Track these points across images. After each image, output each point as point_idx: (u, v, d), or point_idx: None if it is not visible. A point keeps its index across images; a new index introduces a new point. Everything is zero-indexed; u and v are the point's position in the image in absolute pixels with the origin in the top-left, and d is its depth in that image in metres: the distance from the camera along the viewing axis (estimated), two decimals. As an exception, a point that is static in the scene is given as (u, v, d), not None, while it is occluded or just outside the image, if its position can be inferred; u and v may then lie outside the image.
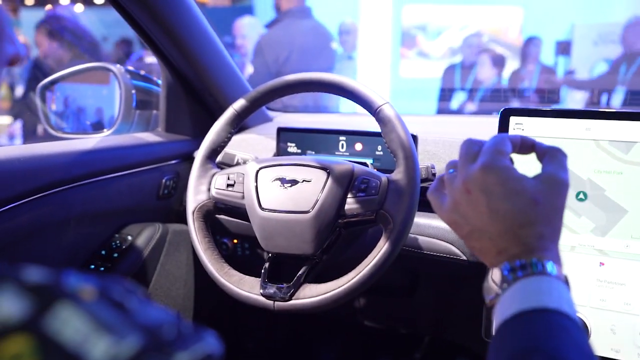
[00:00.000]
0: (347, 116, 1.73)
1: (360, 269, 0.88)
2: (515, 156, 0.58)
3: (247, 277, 0.97)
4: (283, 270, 0.97)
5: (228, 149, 1.09)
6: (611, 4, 5.17)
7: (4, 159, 0.94)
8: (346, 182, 0.93)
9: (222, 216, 1.09)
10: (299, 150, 1.23)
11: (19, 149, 1.00)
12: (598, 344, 0.82)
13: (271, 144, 1.26)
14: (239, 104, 1.04)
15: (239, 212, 1.00)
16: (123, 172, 1.17)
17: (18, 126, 3.51)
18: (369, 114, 0.94)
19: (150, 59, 2.70)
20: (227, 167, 1.09)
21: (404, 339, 1.61)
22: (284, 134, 1.24)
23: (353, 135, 1.18)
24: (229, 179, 1.01)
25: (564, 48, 4.88)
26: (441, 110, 3.46)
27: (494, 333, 0.49)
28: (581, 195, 0.82)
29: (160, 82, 1.35)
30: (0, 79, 0.42)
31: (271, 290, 0.92)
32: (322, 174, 0.94)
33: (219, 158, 1.07)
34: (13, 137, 3.54)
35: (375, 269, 0.87)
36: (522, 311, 0.47)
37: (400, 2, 5.89)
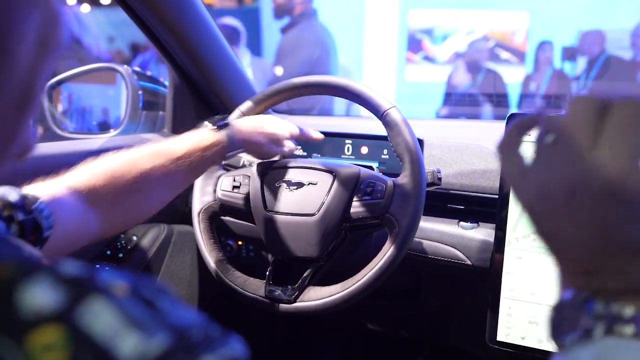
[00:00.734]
0: (353, 119, 1.73)
1: (365, 272, 0.88)
2: None
3: (252, 279, 0.97)
4: (288, 272, 0.97)
5: (234, 151, 1.09)
6: (617, 11, 5.16)
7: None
8: (352, 186, 0.92)
9: (227, 218, 1.09)
10: (305, 153, 1.23)
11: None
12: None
13: (277, 146, 1.25)
14: (246, 106, 1.04)
15: (245, 214, 1.00)
16: None
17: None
18: (375, 117, 0.94)
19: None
20: (233, 168, 1.09)
21: (407, 342, 1.61)
22: (290, 137, 1.24)
23: (359, 138, 1.18)
24: (234, 180, 1.01)
25: (570, 54, 4.87)
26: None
27: None
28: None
29: (167, 83, 1.35)
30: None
31: (276, 292, 0.92)
32: (328, 177, 0.94)
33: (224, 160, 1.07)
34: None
35: (380, 272, 0.87)
36: None
37: (407, 7, 5.89)
